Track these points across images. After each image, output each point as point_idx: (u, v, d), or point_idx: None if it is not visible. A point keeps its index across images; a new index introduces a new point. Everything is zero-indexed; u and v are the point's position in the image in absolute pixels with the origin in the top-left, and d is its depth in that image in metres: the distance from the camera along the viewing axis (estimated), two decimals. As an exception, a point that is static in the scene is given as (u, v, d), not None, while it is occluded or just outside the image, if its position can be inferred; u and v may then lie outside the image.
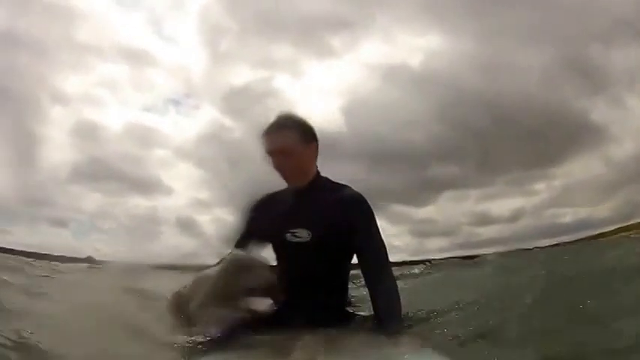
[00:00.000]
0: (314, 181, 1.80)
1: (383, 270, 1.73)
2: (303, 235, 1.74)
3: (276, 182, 1.83)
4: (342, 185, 1.83)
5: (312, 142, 1.79)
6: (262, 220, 1.83)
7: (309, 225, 1.74)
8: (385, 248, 1.77)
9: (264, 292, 1.62)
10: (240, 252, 1.72)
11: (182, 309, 1.62)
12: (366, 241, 1.74)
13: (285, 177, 1.79)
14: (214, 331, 1.60)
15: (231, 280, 1.58)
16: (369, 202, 1.79)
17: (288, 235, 1.75)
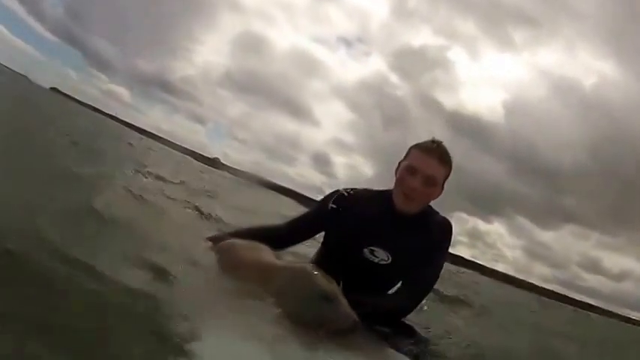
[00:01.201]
0: (419, 213, 1.71)
1: (415, 289, 1.67)
2: (382, 256, 1.67)
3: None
4: (436, 213, 1.75)
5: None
6: (345, 219, 1.73)
7: (394, 250, 1.67)
8: (435, 279, 1.70)
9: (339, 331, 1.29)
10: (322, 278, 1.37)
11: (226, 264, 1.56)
12: (425, 261, 1.67)
13: (409, 199, 1.66)
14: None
15: (305, 309, 1.30)
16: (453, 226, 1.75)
17: (366, 250, 1.68)
